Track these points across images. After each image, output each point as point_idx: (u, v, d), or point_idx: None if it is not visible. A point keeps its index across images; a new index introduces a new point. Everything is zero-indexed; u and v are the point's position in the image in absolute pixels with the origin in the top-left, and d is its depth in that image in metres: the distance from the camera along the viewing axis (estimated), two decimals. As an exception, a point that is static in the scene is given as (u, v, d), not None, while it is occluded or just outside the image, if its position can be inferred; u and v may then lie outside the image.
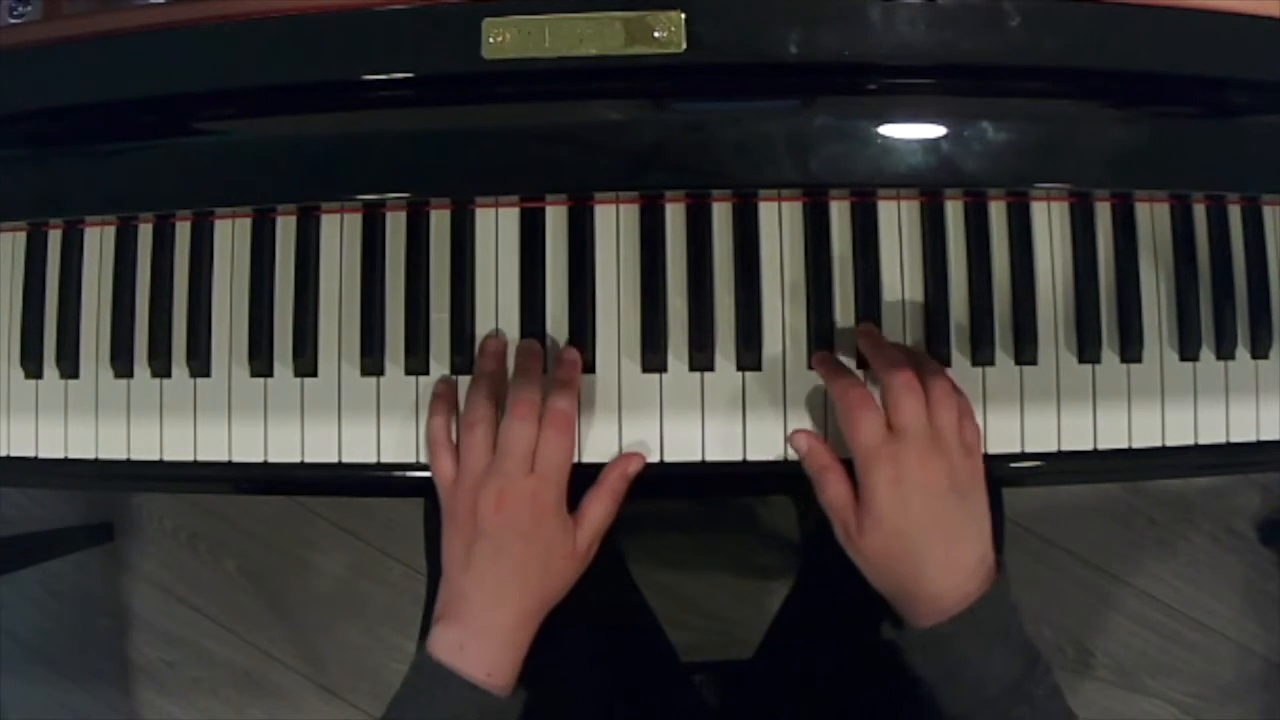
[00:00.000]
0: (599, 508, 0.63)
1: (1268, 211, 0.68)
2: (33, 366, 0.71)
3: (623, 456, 0.65)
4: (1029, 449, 0.66)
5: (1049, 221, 0.67)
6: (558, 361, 0.66)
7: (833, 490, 0.61)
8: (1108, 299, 0.67)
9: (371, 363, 0.68)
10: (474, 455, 0.62)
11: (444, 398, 0.66)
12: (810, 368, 0.66)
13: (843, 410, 0.60)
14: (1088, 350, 0.66)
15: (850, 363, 0.66)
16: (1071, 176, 0.62)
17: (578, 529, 0.62)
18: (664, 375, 0.67)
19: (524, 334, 0.68)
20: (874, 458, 0.58)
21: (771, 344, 0.67)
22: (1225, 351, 0.67)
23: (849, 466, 0.61)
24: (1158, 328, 0.67)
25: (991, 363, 0.67)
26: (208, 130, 0.63)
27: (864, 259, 0.67)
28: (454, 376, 0.68)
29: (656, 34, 0.58)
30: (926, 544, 0.58)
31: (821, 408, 0.66)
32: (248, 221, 0.70)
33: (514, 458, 0.60)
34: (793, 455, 0.65)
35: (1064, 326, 0.67)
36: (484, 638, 0.59)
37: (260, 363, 0.68)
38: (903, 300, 0.67)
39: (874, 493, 0.58)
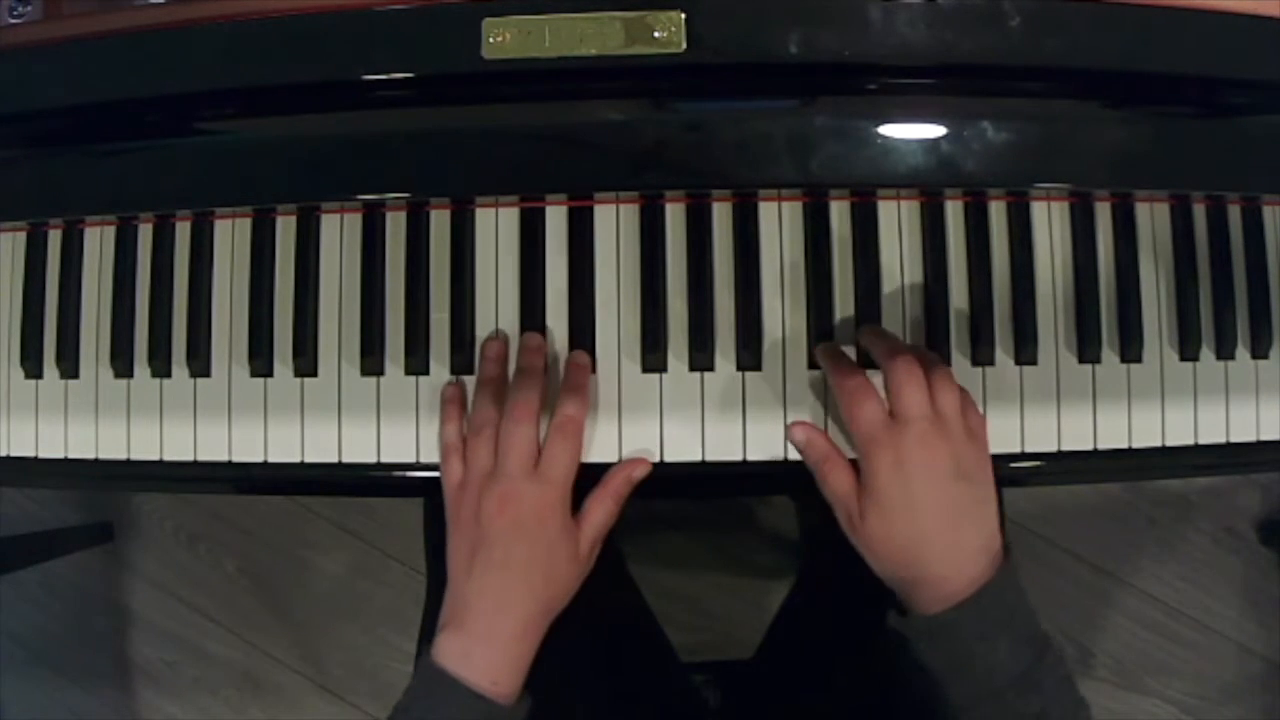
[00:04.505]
0: (601, 510, 0.63)
1: (1268, 211, 0.68)
2: (33, 366, 0.71)
3: (628, 461, 0.65)
4: (1029, 449, 0.66)
5: (1049, 221, 0.67)
6: (567, 366, 0.66)
7: (834, 479, 0.60)
8: (1108, 299, 0.67)
9: (371, 363, 0.68)
10: (479, 459, 0.62)
11: (455, 402, 0.66)
12: (810, 367, 0.66)
13: (842, 398, 0.60)
14: (1088, 350, 0.66)
15: (851, 356, 0.66)
16: (1071, 176, 0.62)
17: (579, 532, 0.62)
18: (664, 375, 0.67)
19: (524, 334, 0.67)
20: (875, 442, 0.58)
21: (771, 344, 0.67)
22: (1225, 351, 0.67)
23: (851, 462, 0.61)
24: (1158, 328, 0.67)
25: (991, 363, 0.67)
26: (207, 130, 0.63)
27: (864, 259, 0.67)
28: (462, 379, 0.67)
29: (656, 34, 0.58)
30: (930, 527, 0.57)
31: (822, 407, 0.66)
32: (248, 221, 0.69)
33: (514, 461, 0.60)
34: (793, 455, 0.65)
35: (1064, 326, 0.67)
36: (489, 645, 0.59)
37: (260, 363, 0.68)
38: (903, 300, 0.67)
39: (875, 477, 0.58)
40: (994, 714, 0.56)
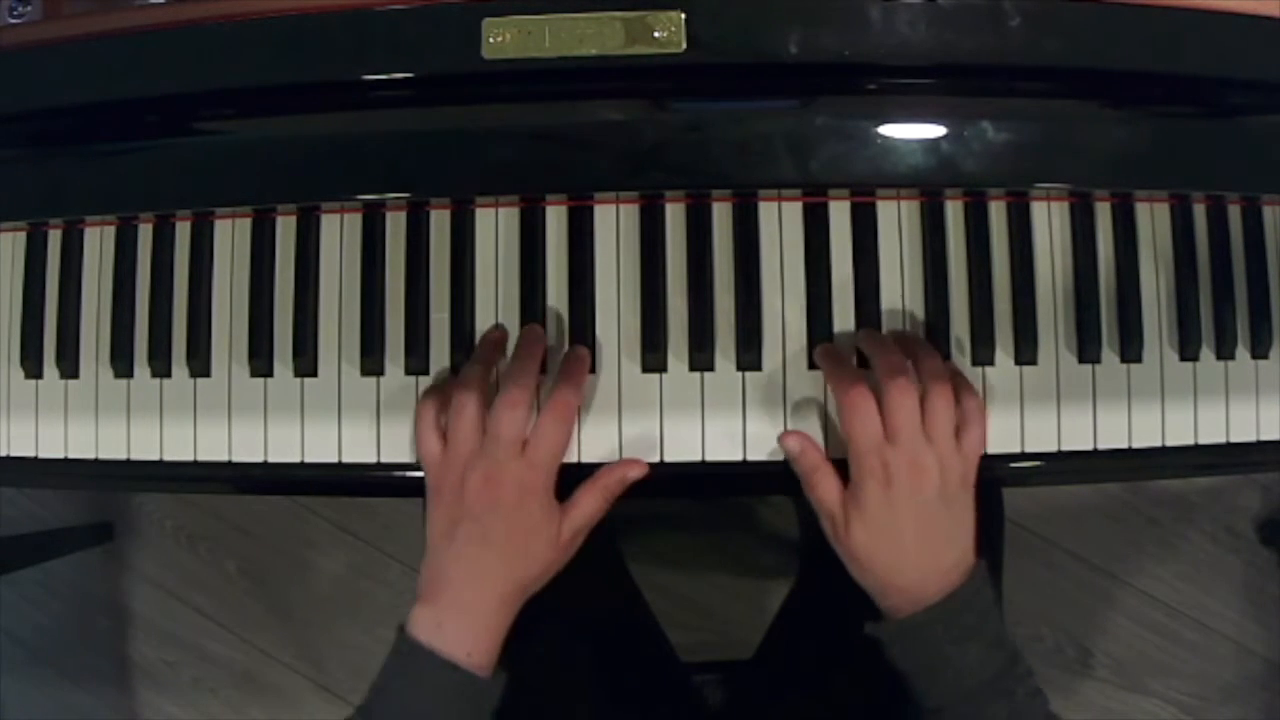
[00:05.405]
0: (590, 502, 0.63)
1: (1268, 211, 0.68)
2: (33, 366, 0.71)
3: (625, 461, 0.65)
4: (1029, 449, 0.66)
5: (1049, 221, 0.67)
6: (566, 357, 0.66)
7: (822, 489, 0.62)
8: (1108, 299, 0.67)
9: (371, 363, 0.68)
10: (463, 435, 0.62)
11: (442, 387, 0.66)
12: (810, 367, 0.66)
13: (842, 408, 0.62)
14: (1088, 350, 0.66)
15: (851, 359, 0.66)
16: (1071, 176, 0.62)
17: (565, 518, 0.62)
18: (664, 375, 0.67)
19: (524, 334, 0.67)
20: (867, 459, 0.60)
21: (771, 344, 0.67)
22: (1225, 351, 0.67)
23: (839, 464, 0.62)
24: (1158, 328, 0.67)
25: (991, 363, 0.67)
26: (207, 130, 0.63)
27: (864, 259, 0.67)
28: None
29: (656, 34, 0.58)
30: (911, 547, 0.60)
31: (821, 407, 0.66)
32: (248, 221, 0.70)
33: (504, 442, 0.60)
34: (793, 455, 0.65)
35: (1064, 326, 0.67)
36: (462, 617, 0.59)
37: (260, 363, 0.68)
38: (903, 300, 0.67)
39: (863, 494, 0.60)
40: (967, 716, 0.58)
